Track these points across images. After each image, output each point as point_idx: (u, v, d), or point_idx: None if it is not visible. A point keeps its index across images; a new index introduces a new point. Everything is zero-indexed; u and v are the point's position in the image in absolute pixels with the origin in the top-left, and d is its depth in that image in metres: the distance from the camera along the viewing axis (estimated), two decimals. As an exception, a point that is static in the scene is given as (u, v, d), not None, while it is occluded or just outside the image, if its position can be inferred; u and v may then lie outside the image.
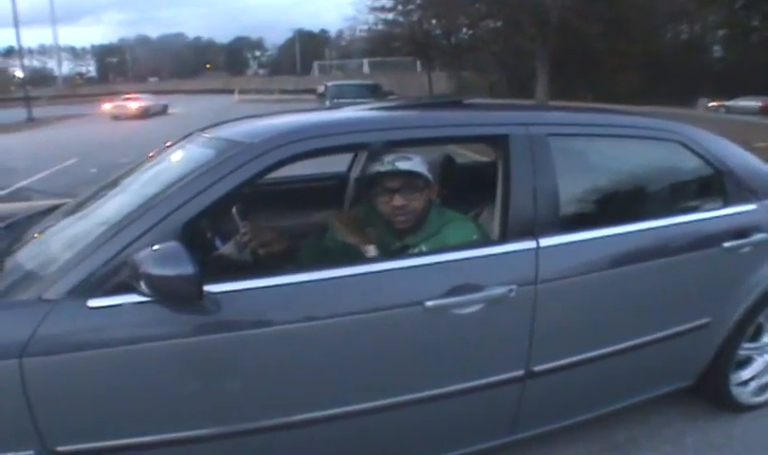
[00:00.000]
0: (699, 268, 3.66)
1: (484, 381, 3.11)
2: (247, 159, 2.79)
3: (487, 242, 3.20)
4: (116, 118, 46.98)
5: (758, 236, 3.74)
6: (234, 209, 3.43)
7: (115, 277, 2.54)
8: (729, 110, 43.10)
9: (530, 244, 3.11)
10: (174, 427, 2.68)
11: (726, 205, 3.79)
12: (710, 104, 44.74)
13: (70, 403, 2.55)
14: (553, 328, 3.20)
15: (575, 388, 3.42)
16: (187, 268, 2.43)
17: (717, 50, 56.94)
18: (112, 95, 63.85)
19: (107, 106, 49.72)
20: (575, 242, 3.25)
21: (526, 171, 3.17)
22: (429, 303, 2.87)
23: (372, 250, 3.24)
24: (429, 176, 3.32)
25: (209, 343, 2.64)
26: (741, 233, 3.70)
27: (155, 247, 2.48)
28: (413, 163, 3.25)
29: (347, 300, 2.84)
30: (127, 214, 2.71)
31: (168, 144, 3.83)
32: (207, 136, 3.41)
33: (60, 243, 3.02)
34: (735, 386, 4.10)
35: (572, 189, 3.41)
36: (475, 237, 3.25)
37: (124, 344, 2.54)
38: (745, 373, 4.17)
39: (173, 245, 2.48)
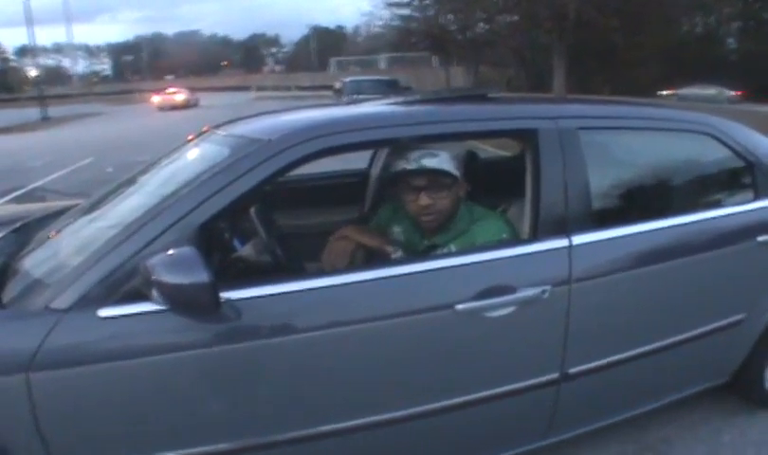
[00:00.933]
0: (733, 263, 3.56)
1: (518, 385, 3.01)
2: (265, 157, 2.67)
3: (519, 241, 3.09)
4: (161, 108, 55.66)
5: None
6: (253, 210, 3.29)
7: (127, 284, 2.43)
8: (681, 98, 42.81)
9: (563, 242, 3.00)
10: (193, 442, 2.57)
11: (757, 198, 3.68)
12: (661, 93, 44.40)
13: (81, 419, 2.44)
14: (587, 329, 3.09)
15: (609, 389, 3.32)
16: (202, 276, 2.30)
17: (731, 42, 56.70)
18: (128, 93, 67.95)
19: (155, 98, 58.93)
20: (607, 239, 3.13)
21: (557, 166, 3.05)
22: (460, 307, 2.76)
23: (396, 251, 3.13)
24: (457, 173, 3.17)
25: (229, 353, 2.53)
26: None
27: (168, 253, 2.36)
28: (440, 160, 3.10)
29: (375, 304, 2.73)
30: (139, 217, 2.60)
31: (189, 138, 3.71)
32: (222, 133, 3.28)
33: (69, 247, 2.89)
34: None
35: (603, 184, 3.31)
36: (505, 235, 3.13)
37: (138, 356, 2.43)
38: None
39: (186, 250, 2.36)
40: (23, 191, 14.18)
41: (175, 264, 2.32)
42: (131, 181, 3.53)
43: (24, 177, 16.13)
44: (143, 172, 3.58)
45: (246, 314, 2.51)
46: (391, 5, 54.04)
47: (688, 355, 3.49)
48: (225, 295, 2.42)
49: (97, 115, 51.51)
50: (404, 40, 57.23)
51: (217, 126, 3.51)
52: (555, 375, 3.07)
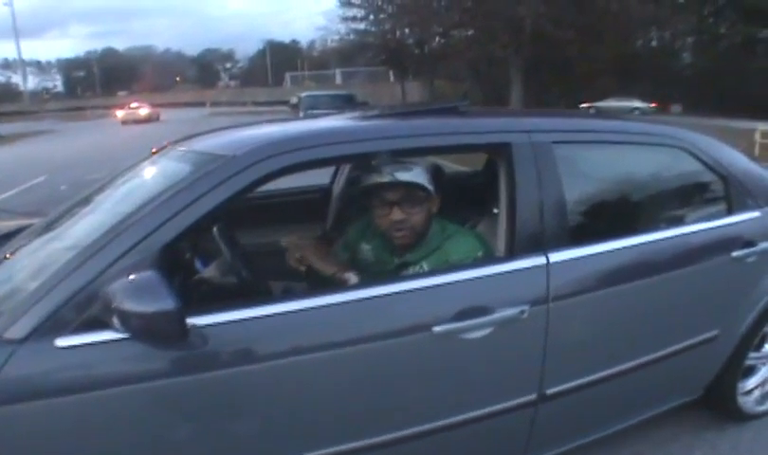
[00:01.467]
0: (708, 279, 3.54)
1: (494, 408, 2.92)
2: (230, 174, 2.54)
3: (495, 259, 2.99)
4: (125, 122, 57.39)
5: (765, 244, 3.64)
6: (215, 229, 3.15)
7: (86, 311, 2.27)
8: (600, 111, 42.81)
9: (540, 260, 2.92)
10: None
11: (731, 213, 3.68)
12: (582, 105, 44.86)
13: None
14: (565, 348, 3.02)
15: (586, 408, 3.26)
16: (167, 303, 2.16)
17: (686, 57, 57.62)
18: (81, 109, 70.83)
19: (119, 113, 61.79)
20: (585, 256, 3.06)
21: (531, 181, 2.97)
22: (438, 329, 2.66)
23: (353, 278, 2.99)
24: (431, 188, 3.07)
25: (196, 383, 2.38)
26: (748, 242, 3.60)
27: (130, 278, 2.21)
28: (414, 173, 3.00)
29: (349, 327, 2.60)
30: (97, 239, 2.43)
31: (152, 152, 3.55)
32: (182, 148, 3.15)
33: (24, 272, 2.75)
34: (740, 395, 4.02)
35: (578, 199, 3.23)
36: (480, 253, 3.04)
37: (100, 388, 2.26)
38: (750, 383, 4.11)
39: (150, 275, 2.22)
40: None
41: (138, 291, 2.18)
42: (88, 199, 3.36)
43: (-26, 197, 15.72)
44: (100, 189, 3.42)
45: (213, 341, 2.37)
46: (346, 19, 54.23)
47: (664, 372, 3.45)
48: (190, 321, 2.28)
49: (49, 132, 50.78)
50: (360, 54, 57.32)
51: (176, 142, 3.38)
52: (532, 396, 2.99)
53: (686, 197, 3.86)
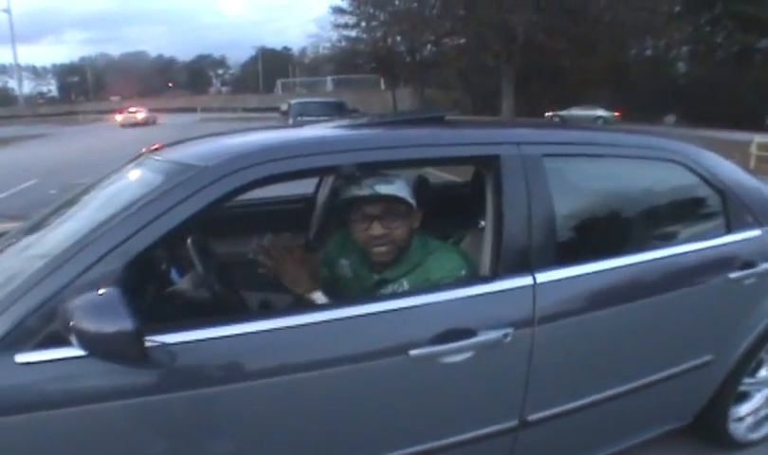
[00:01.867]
0: (703, 302, 3.38)
1: (472, 434, 2.79)
2: (201, 186, 2.41)
3: (479, 279, 2.84)
4: (123, 125, 61.53)
5: (765, 265, 3.46)
6: (189, 241, 3.04)
7: (47, 326, 2.15)
8: (564, 120, 43.04)
9: (526, 280, 2.78)
10: None
11: (730, 231, 3.49)
12: (546, 114, 44.84)
13: None
14: (550, 373, 2.89)
15: (569, 434, 3.13)
16: (125, 323, 2.03)
17: (681, 66, 57.62)
18: (73, 114, 74.74)
19: (119, 117, 66.49)
20: (573, 277, 2.92)
21: (520, 196, 2.82)
22: (414, 352, 2.52)
23: (320, 297, 2.81)
24: (413, 202, 2.94)
25: (162, 403, 2.27)
26: (747, 263, 3.42)
27: (89, 295, 2.09)
28: (395, 186, 2.87)
29: (320, 348, 2.47)
30: (62, 251, 2.31)
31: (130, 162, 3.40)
32: (157, 157, 3.01)
33: None
34: (732, 422, 3.85)
35: (568, 215, 3.09)
36: (464, 272, 2.89)
37: (60, 407, 2.17)
38: (742, 409, 3.92)
39: (109, 294, 2.08)
40: None
41: (96, 309, 2.05)
42: (63, 207, 3.24)
43: (-37, 200, 15.65)
44: (76, 197, 3.30)
45: (181, 360, 2.26)
46: (338, 26, 54.15)
47: (653, 398, 3.31)
48: (159, 338, 2.21)
49: (42, 136, 50.58)
50: (351, 61, 57.25)
51: (153, 150, 3.25)
52: (513, 423, 2.87)
53: (682, 214, 3.68)
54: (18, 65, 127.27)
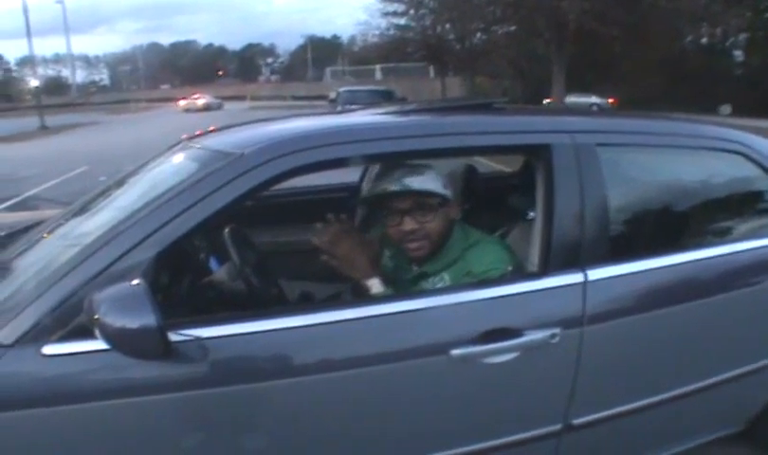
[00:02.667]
0: (761, 303, 3.16)
1: (514, 438, 2.67)
2: (235, 175, 2.32)
3: (526, 275, 2.71)
4: (187, 110, 68.88)
5: None
6: (226, 231, 2.95)
7: (75, 318, 2.09)
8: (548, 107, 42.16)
9: (576, 277, 2.63)
10: None
11: None
12: (545, 101, 44.25)
13: None
14: (597, 376, 2.74)
15: (614, 439, 2.97)
16: (149, 319, 1.96)
17: (738, 55, 56.34)
18: (125, 102, 78.80)
19: (182, 103, 74.23)
20: (626, 274, 2.76)
21: (572, 188, 2.67)
22: (456, 352, 2.40)
23: (377, 285, 2.70)
24: (446, 192, 2.81)
25: (190, 400, 2.21)
26: None
27: (115, 288, 2.02)
28: (425, 178, 2.75)
29: (358, 347, 2.38)
30: (91, 242, 2.26)
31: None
32: (195, 145, 2.93)
33: (20, 272, 2.59)
34: None
35: (622, 209, 2.93)
36: (510, 267, 2.74)
37: (87, 400, 2.10)
38: None
39: (134, 287, 2.02)
40: (17, 199, 14.15)
41: (120, 303, 1.99)
42: (100, 195, 3.20)
43: (19, 186, 16.11)
44: (114, 184, 3.26)
45: (215, 354, 2.20)
46: (387, 14, 53.91)
47: (704, 403, 3.12)
48: (193, 332, 2.15)
49: (94, 124, 51.66)
50: (400, 49, 57.00)
51: (191, 137, 3.16)
52: (557, 427, 2.73)
53: (742, 208, 3.46)
54: (71, 55, 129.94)
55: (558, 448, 2.78)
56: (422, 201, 2.75)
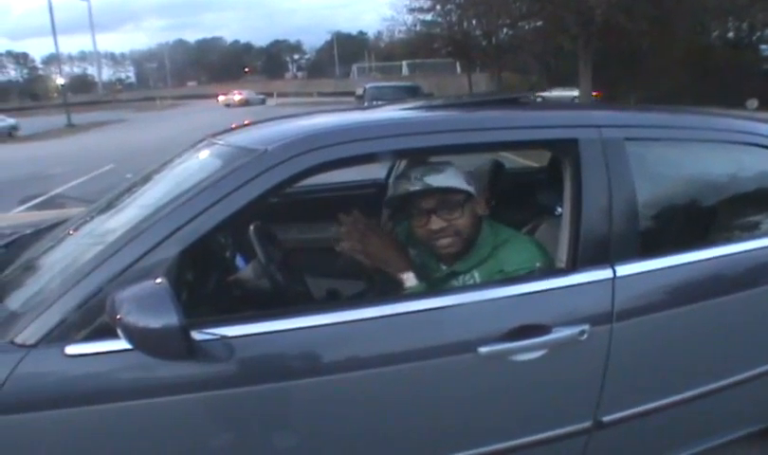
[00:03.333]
0: None
1: (544, 435, 2.63)
2: (258, 171, 2.30)
3: (555, 271, 2.66)
4: (227, 105, 70.84)
5: None
6: (252, 228, 2.93)
7: (98, 317, 2.08)
8: (545, 100, 41.87)
9: (606, 273, 2.59)
10: None
11: None
12: (538, 95, 44.18)
13: None
14: (628, 372, 2.70)
15: (646, 436, 2.92)
16: (171, 319, 1.94)
17: (765, 49, 55.68)
18: (151, 99, 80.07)
19: (221, 98, 77.00)
20: (656, 270, 2.70)
21: (600, 183, 2.62)
22: (484, 350, 2.36)
23: (411, 279, 2.67)
24: (470, 188, 2.77)
25: (216, 400, 2.20)
26: None
27: (137, 287, 2.00)
28: (446, 176, 2.71)
29: (384, 345, 2.35)
30: (114, 241, 2.24)
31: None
32: (220, 141, 2.91)
33: (43, 272, 2.60)
34: None
35: (651, 204, 2.88)
36: (539, 264, 2.70)
37: (111, 401, 2.10)
38: None
39: (156, 286, 2.00)
40: (44, 197, 14.23)
41: (141, 303, 1.97)
42: (124, 193, 3.19)
43: (46, 184, 16.21)
44: (138, 182, 3.24)
45: (239, 354, 2.18)
46: (413, 10, 53.77)
47: (737, 398, 3.07)
48: (218, 331, 2.13)
49: (120, 122, 52.00)
50: (426, 45, 56.90)
51: (215, 134, 3.15)
52: (587, 424, 2.69)
53: None
54: (97, 52, 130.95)
55: (588, 446, 2.74)
56: (446, 198, 2.72)
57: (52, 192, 14.98)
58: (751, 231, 3.19)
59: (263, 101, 76.03)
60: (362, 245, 2.72)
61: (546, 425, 2.64)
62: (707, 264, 2.85)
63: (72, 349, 2.06)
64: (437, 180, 2.69)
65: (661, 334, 2.73)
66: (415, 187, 2.70)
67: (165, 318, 1.94)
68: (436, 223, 2.72)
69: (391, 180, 4.43)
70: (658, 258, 2.73)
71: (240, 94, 77.89)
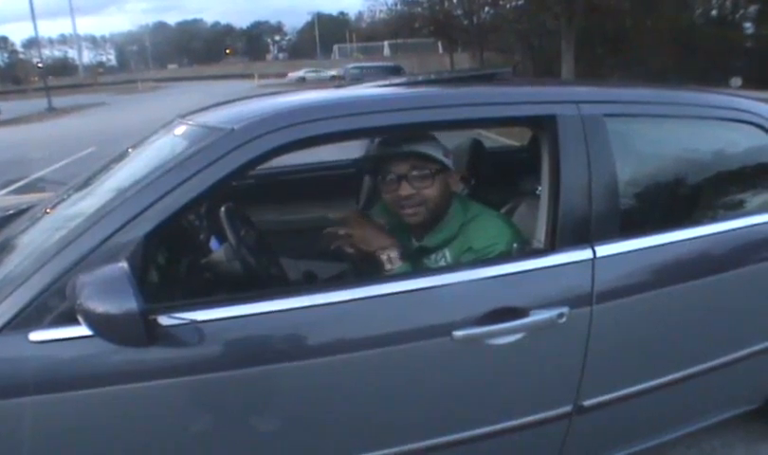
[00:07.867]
0: None
1: (524, 420, 2.59)
2: (225, 151, 2.23)
3: (533, 252, 2.60)
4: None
5: None
6: (222, 210, 2.87)
7: (62, 303, 2.02)
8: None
9: (585, 253, 2.53)
10: None
11: None
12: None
13: None
14: (609, 356, 2.65)
15: (628, 419, 2.89)
16: (130, 305, 1.87)
17: (748, 27, 55.76)
18: (132, 82, 77.10)
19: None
20: (637, 250, 2.65)
21: (579, 160, 2.56)
22: (458, 333, 2.31)
23: (395, 259, 2.64)
24: (445, 160, 2.72)
25: (188, 386, 2.15)
26: None
27: (95, 273, 1.93)
28: (425, 145, 2.68)
29: (356, 329, 2.29)
30: (77, 225, 2.18)
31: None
32: (188, 122, 2.83)
33: (10, 256, 2.52)
34: None
35: (632, 183, 2.82)
36: (513, 243, 2.66)
37: (77, 388, 2.05)
38: None
39: (116, 270, 1.93)
40: (24, 181, 14.28)
41: (101, 288, 1.90)
42: (93, 176, 3.13)
43: (26, 168, 16.20)
44: (106, 165, 3.18)
45: (209, 339, 2.13)
46: (394, -11, 53.62)
47: (720, 381, 3.04)
48: (187, 316, 2.08)
49: (101, 105, 51.69)
50: (408, 25, 56.79)
51: (184, 114, 3.07)
52: (567, 409, 2.64)
53: (757, 181, 3.31)
54: (77, 35, 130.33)
55: (570, 430, 2.70)
56: (420, 165, 2.68)
57: (33, 176, 14.97)
58: (734, 210, 3.15)
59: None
60: (359, 234, 2.72)
61: (526, 410, 2.59)
62: (690, 244, 2.80)
63: (36, 335, 2.02)
64: (414, 146, 2.66)
65: (642, 316, 2.68)
66: (392, 149, 2.68)
67: (125, 304, 1.88)
68: (405, 189, 2.69)
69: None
70: (639, 238, 2.67)
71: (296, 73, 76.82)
